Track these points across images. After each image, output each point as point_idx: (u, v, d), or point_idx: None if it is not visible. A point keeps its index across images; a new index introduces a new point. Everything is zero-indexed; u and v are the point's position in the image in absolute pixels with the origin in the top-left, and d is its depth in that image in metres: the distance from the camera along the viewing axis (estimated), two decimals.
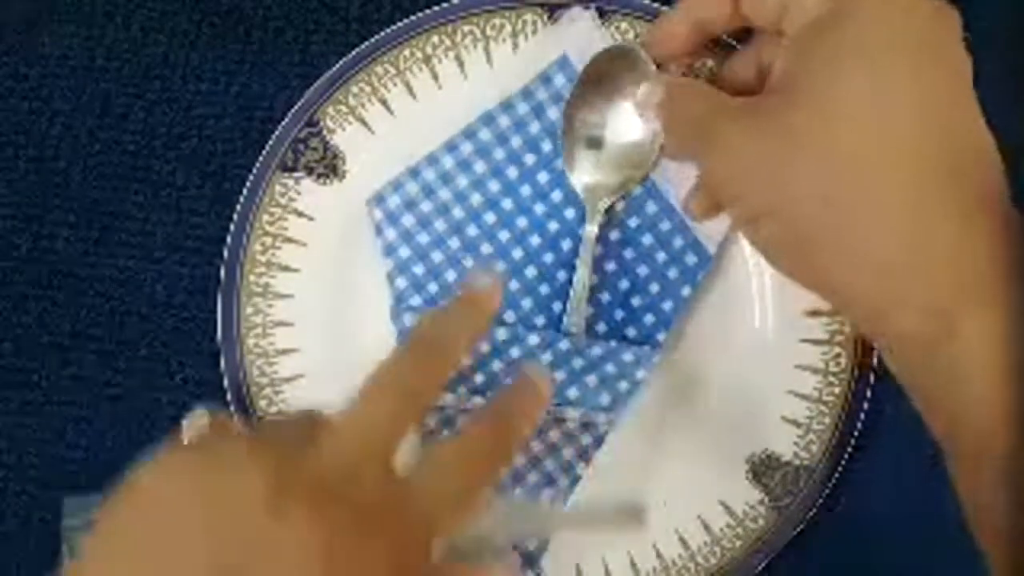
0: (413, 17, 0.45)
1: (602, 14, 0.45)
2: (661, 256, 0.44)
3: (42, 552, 0.44)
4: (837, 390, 0.44)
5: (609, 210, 0.44)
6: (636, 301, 0.44)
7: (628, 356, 0.43)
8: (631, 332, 0.44)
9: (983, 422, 0.31)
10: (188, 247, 0.46)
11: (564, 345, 0.43)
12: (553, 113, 0.45)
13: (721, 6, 0.38)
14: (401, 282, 0.44)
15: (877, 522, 0.45)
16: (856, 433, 0.44)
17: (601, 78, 0.43)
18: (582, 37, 0.44)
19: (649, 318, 0.44)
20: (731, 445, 0.44)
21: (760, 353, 0.44)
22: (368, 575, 0.30)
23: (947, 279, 0.31)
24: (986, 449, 0.31)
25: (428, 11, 0.45)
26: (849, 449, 0.44)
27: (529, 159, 0.45)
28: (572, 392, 0.43)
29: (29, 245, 0.47)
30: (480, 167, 0.45)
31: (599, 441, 0.43)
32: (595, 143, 0.44)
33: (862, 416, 0.44)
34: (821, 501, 0.44)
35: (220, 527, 0.29)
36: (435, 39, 0.45)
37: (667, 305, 0.44)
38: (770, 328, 0.45)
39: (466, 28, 0.45)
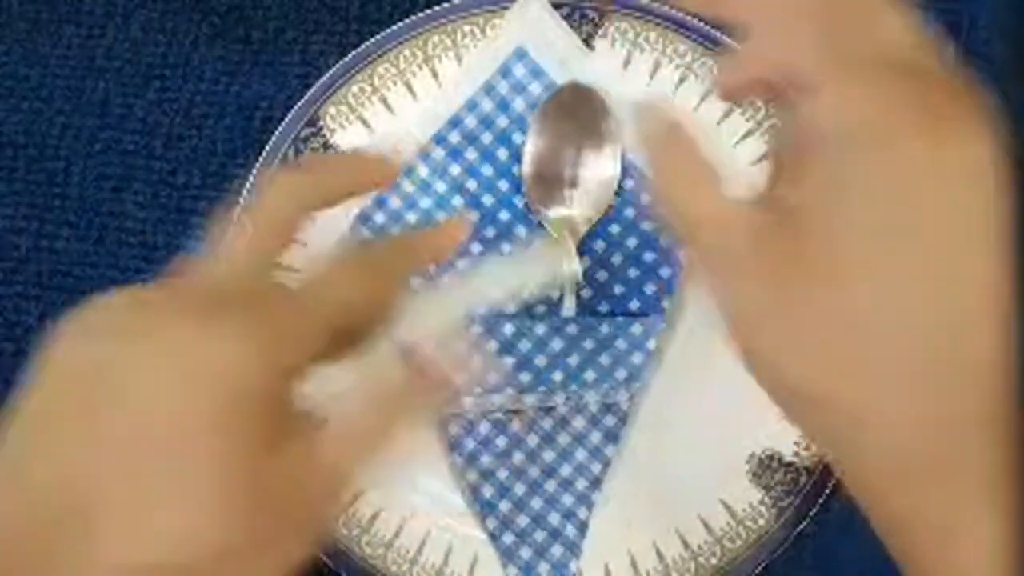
0: (413, 17, 0.45)
1: (602, 14, 0.45)
2: (647, 225, 0.45)
3: None
4: None
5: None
6: (632, 273, 0.45)
7: (637, 328, 0.44)
8: (634, 305, 0.44)
9: None
10: (188, 247, 0.46)
11: (572, 329, 0.43)
12: (519, 105, 0.45)
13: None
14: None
15: None
16: None
17: (564, 116, 0.44)
18: (535, 24, 0.45)
19: (650, 288, 0.44)
20: (731, 445, 0.44)
21: None
22: (236, 344, 0.29)
23: (950, 488, 0.27)
24: None
25: (428, 11, 0.45)
26: None
27: (502, 154, 0.45)
28: (589, 374, 0.43)
29: (29, 245, 0.47)
30: (455, 170, 0.45)
31: (623, 420, 0.44)
32: (571, 182, 0.44)
33: None
34: (821, 501, 0.44)
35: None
36: (435, 39, 0.45)
37: (665, 272, 0.44)
38: None
39: (466, 28, 0.45)
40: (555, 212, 0.45)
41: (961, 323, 0.27)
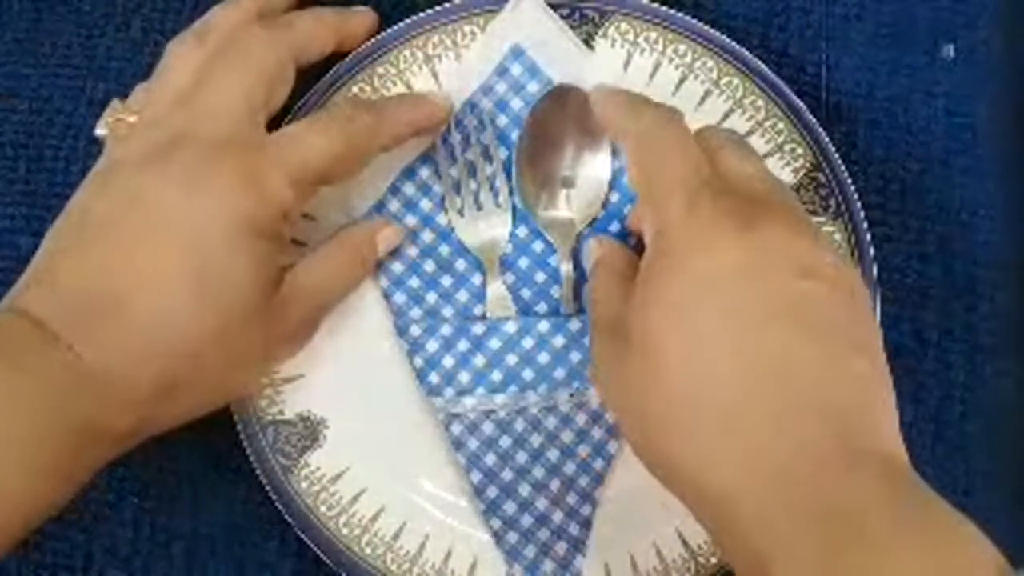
0: (413, 17, 0.45)
1: (602, 14, 0.45)
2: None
3: (40, 553, 0.44)
4: None
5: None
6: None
7: None
8: None
9: None
10: None
11: (575, 326, 0.43)
12: (516, 104, 0.45)
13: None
14: (400, 297, 0.44)
15: None
16: None
17: (555, 117, 0.44)
18: (532, 23, 0.45)
19: None
20: None
21: None
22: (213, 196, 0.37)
23: (760, 528, 0.30)
24: None
25: (428, 11, 0.45)
26: None
27: (501, 154, 0.45)
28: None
29: (29, 245, 0.46)
30: (455, 171, 0.45)
31: None
32: (565, 182, 0.44)
33: None
34: None
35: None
36: (435, 39, 0.45)
37: None
38: None
39: (466, 28, 0.45)
40: (550, 213, 0.45)
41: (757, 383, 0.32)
